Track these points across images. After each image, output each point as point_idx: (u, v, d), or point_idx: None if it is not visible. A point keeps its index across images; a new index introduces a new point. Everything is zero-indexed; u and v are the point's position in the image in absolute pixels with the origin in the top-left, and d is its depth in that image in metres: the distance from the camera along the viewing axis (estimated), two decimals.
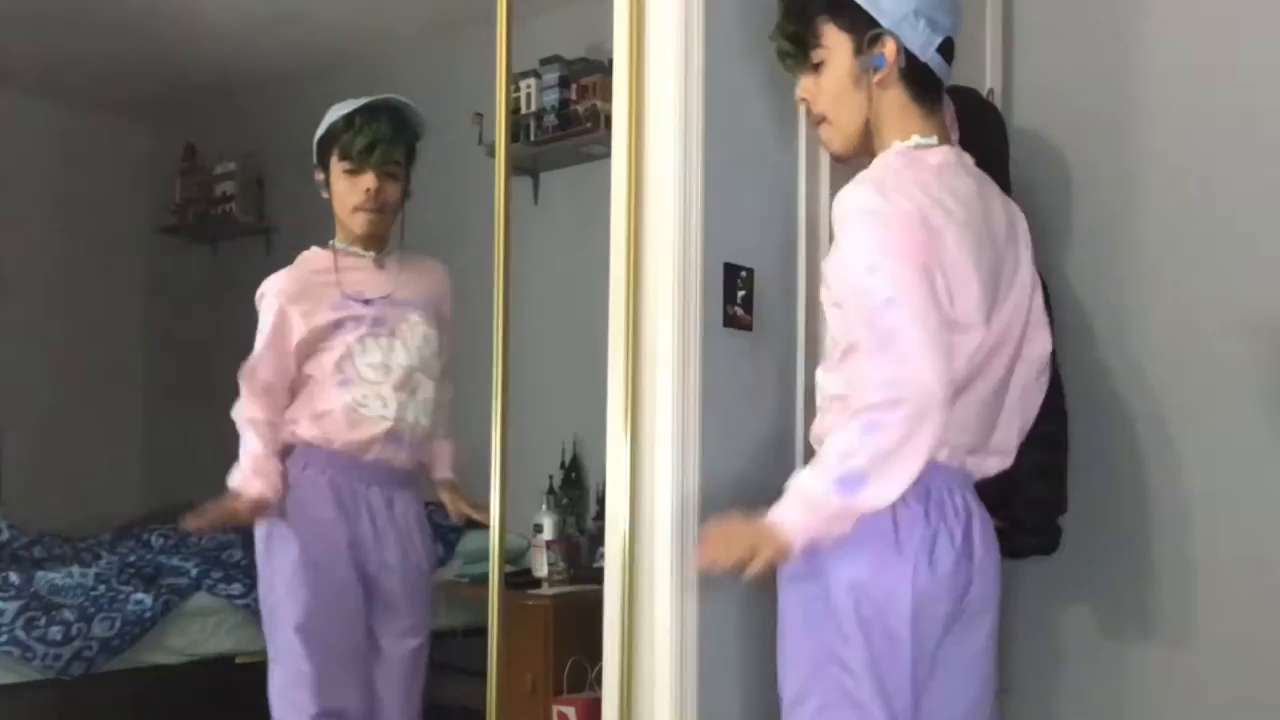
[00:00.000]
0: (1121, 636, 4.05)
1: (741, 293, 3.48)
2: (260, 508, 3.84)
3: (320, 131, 4.07)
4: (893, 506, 2.62)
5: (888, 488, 2.56)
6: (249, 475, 3.85)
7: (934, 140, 2.83)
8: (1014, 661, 4.20)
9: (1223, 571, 3.87)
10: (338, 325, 3.93)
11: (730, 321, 3.45)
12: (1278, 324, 3.80)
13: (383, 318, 3.99)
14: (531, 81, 5.94)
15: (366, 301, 3.97)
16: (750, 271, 3.50)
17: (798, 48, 2.94)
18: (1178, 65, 4.03)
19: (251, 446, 3.90)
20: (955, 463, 2.80)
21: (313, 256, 4.07)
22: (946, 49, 2.87)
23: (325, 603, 3.86)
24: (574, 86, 5.90)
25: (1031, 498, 3.79)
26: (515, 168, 5.64)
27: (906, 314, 2.56)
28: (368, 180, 3.98)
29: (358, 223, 4.00)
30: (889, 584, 2.68)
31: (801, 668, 2.82)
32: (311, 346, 3.93)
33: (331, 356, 3.92)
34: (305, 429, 3.93)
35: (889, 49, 2.79)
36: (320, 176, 4.08)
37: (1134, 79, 4.10)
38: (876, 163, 2.82)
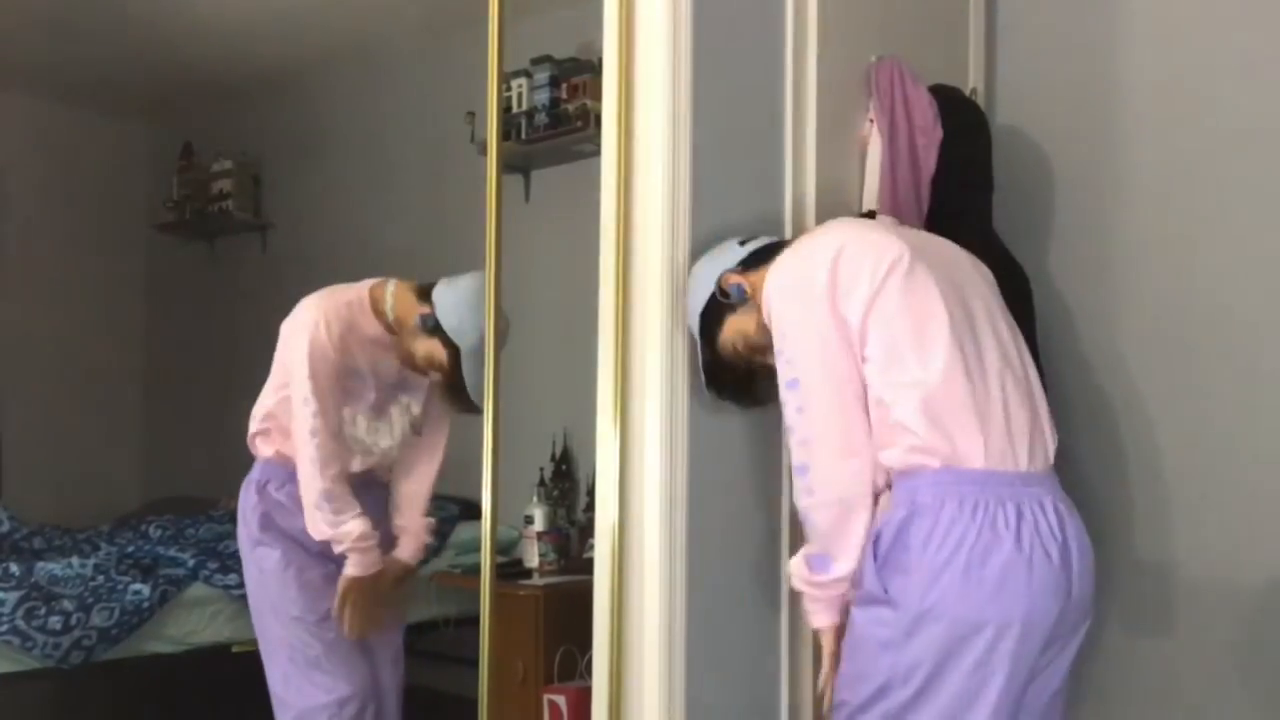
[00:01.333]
0: (1100, 627, 4.05)
1: None
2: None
3: None
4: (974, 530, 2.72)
5: (848, 560, 2.85)
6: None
7: None
8: None
9: (1201, 564, 3.87)
10: (347, 392, 3.98)
11: None
12: (1255, 318, 3.80)
13: (383, 404, 4.11)
14: (523, 81, 5.94)
15: (376, 381, 4.07)
16: None
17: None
18: (1157, 65, 4.03)
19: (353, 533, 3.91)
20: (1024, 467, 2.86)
21: (361, 313, 4.03)
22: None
23: (316, 592, 3.95)
24: (564, 86, 5.90)
25: None
26: (507, 165, 5.63)
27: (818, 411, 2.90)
28: None
29: None
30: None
31: (870, 684, 2.83)
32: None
33: (344, 440, 4.00)
34: (283, 446, 3.96)
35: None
36: None
37: (1114, 78, 4.10)
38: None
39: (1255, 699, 3.76)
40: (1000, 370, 2.82)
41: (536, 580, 5.12)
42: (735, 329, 3.16)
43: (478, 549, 3.81)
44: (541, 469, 5.78)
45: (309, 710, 3.92)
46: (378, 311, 3.98)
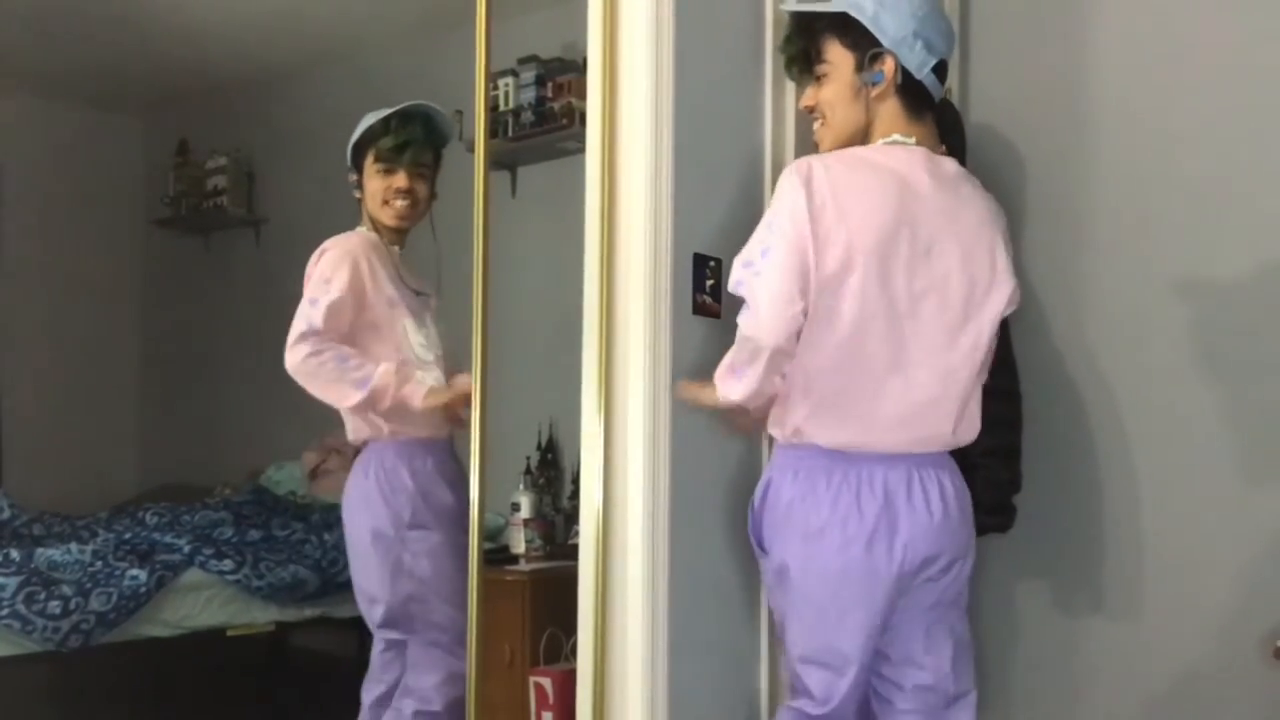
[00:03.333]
0: (1074, 610, 4.06)
1: (710, 282, 3.48)
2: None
3: (356, 135, 4.11)
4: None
5: (742, 390, 2.95)
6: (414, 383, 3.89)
7: (911, 140, 2.91)
8: (972, 634, 4.21)
9: (1170, 547, 3.88)
10: (392, 302, 3.94)
11: (699, 309, 3.45)
12: (1217, 308, 3.81)
13: (417, 306, 4.02)
14: (509, 80, 5.93)
15: (412, 290, 4.02)
16: (718, 261, 3.50)
17: (804, 62, 3.02)
18: (1126, 64, 4.03)
19: (387, 364, 3.86)
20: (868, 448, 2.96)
21: (364, 233, 4.09)
22: (940, 69, 2.95)
23: (463, 573, 3.92)
24: (550, 85, 5.89)
25: (987, 478, 3.79)
26: (494, 162, 5.60)
27: (772, 270, 2.86)
28: (400, 179, 4.04)
29: (388, 215, 4.04)
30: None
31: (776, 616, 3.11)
32: (371, 315, 3.91)
33: (390, 334, 3.92)
34: (379, 423, 3.93)
35: (888, 67, 2.91)
36: (353, 177, 4.11)
37: (1085, 77, 4.10)
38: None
39: (1223, 679, 3.77)
40: (893, 361, 2.88)
41: (523, 566, 5.11)
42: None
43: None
44: (528, 458, 5.78)
45: (450, 677, 4.02)
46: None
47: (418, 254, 4.20)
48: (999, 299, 3.03)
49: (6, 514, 6.06)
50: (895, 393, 2.91)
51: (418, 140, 4.09)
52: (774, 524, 2.99)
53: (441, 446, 4.04)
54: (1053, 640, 4.10)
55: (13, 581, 4.74)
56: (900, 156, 2.91)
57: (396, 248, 4.11)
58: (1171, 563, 3.87)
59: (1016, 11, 4.22)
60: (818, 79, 3.02)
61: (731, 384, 2.95)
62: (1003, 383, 3.86)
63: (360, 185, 4.12)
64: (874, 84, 2.91)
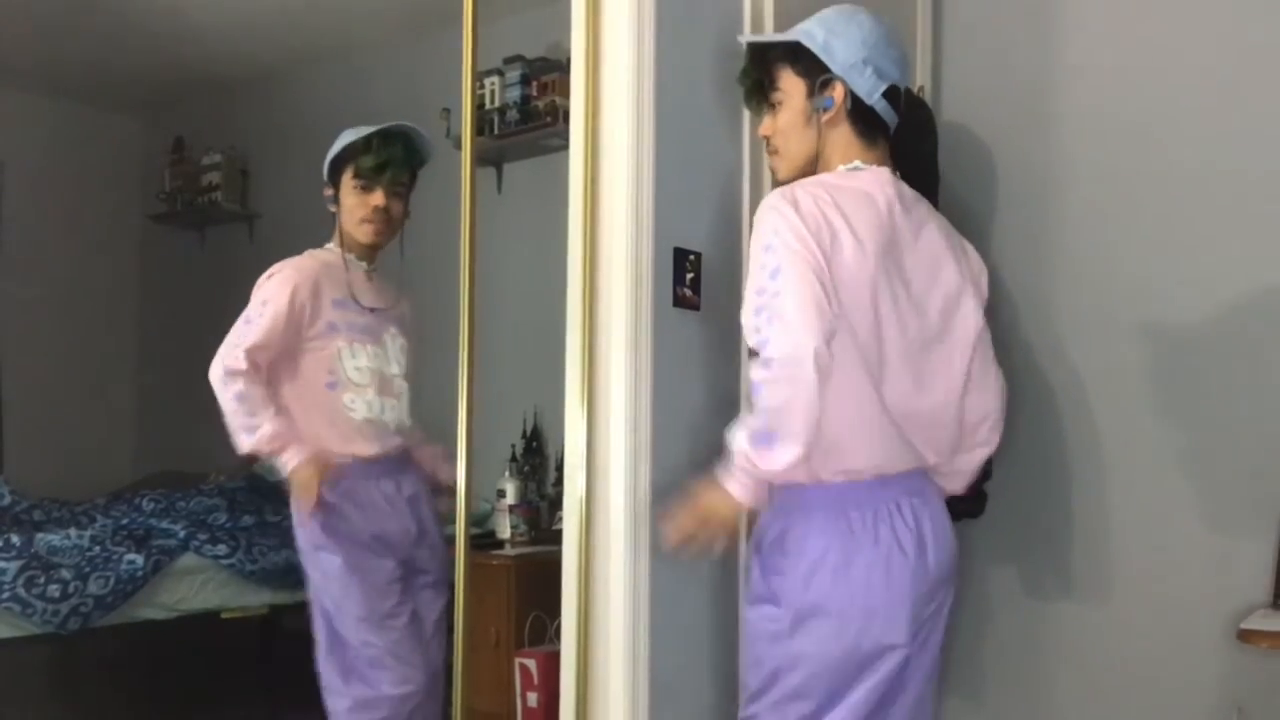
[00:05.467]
0: (1043, 594, 4.07)
1: (690, 275, 3.47)
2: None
3: (335, 151, 4.05)
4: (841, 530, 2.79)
5: (794, 441, 2.64)
6: (296, 450, 3.81)
7: (869, 166, 2.89)
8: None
9: (1137, 533, 3.89)
10: (332, 327, 3.90)
11: (679, 302, 3.44)
12: (1180, 300, 3.82)
13: (371, 326, 3.98)
14: (495, 79, 5.92)
15: (367, 309, 3.97)
16: (698, 255, 3.49)
17: (759, 92, 3.02)
18: (1096, 65, 4.04)
19: (273, 427, 3.80)
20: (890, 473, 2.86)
21: (322, 254, 4.06)
22: (893, 97, 2.91)
23: (379, 593, 3.87)
24: (535, 84, 5.88)
25: None
26: (480, 160, 5.60)
27: (790, 282, 2.65)
28: (377, 198, 4.00)
29: (363, 233, 4.01)
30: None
31: (763, 670, 2.90)
32: (304, 341, 3.88)
33: (322, 356, 3.89)
34: (329, 444, 3.90)
35: (838, 93, 2.89)
36: (329, 192, 4.07)
37: (1055, 78, 4.11)
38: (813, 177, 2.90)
39: (1189, 661, 3.78)
40: (879, 391, 2.82)
41: (509, 551, 5.11)
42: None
43: (453, 521, 3.80)
44: (513, 445, 5.77)
45: (368, 701, 3.85)
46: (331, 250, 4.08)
47: (389, 267, 4.20)
48: (969, 309, 2.99)
49: (7, 500, 6.04)
50: (901, 412, 2.87)
51: (397, 161, 4.04)
52: (795, 569, 2.83)
53: (366, 468, 3.96)
54: (1023, 623, 4.11)
55: (13, 566, 4.74)
56: (866, 179, 2.88)
57: (364, 264, 4.08)
58: (1138, 548, 3.88)
59: (988, 12, 4.22)
60: (772, 108, 3.01)
61: (774, 452, 2.66)
62: None
63: (336, 199, 4.08)
64: (824, 109, 2.89)
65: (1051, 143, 4.09)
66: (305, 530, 3.89)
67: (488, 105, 5.90)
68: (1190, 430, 3.81)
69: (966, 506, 3.83)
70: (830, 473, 2.80)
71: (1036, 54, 4.15)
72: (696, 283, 3.49)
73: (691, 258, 3.48)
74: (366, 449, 3.93)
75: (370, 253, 4.09)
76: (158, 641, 5.32)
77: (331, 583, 3.86)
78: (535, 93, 5.88)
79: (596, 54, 3.40)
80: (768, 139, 3.06)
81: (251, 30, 6.83)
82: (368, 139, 4.02)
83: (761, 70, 3.03)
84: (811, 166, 2.97)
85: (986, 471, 3.81)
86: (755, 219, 2.79)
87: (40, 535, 5.11)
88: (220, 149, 7.75)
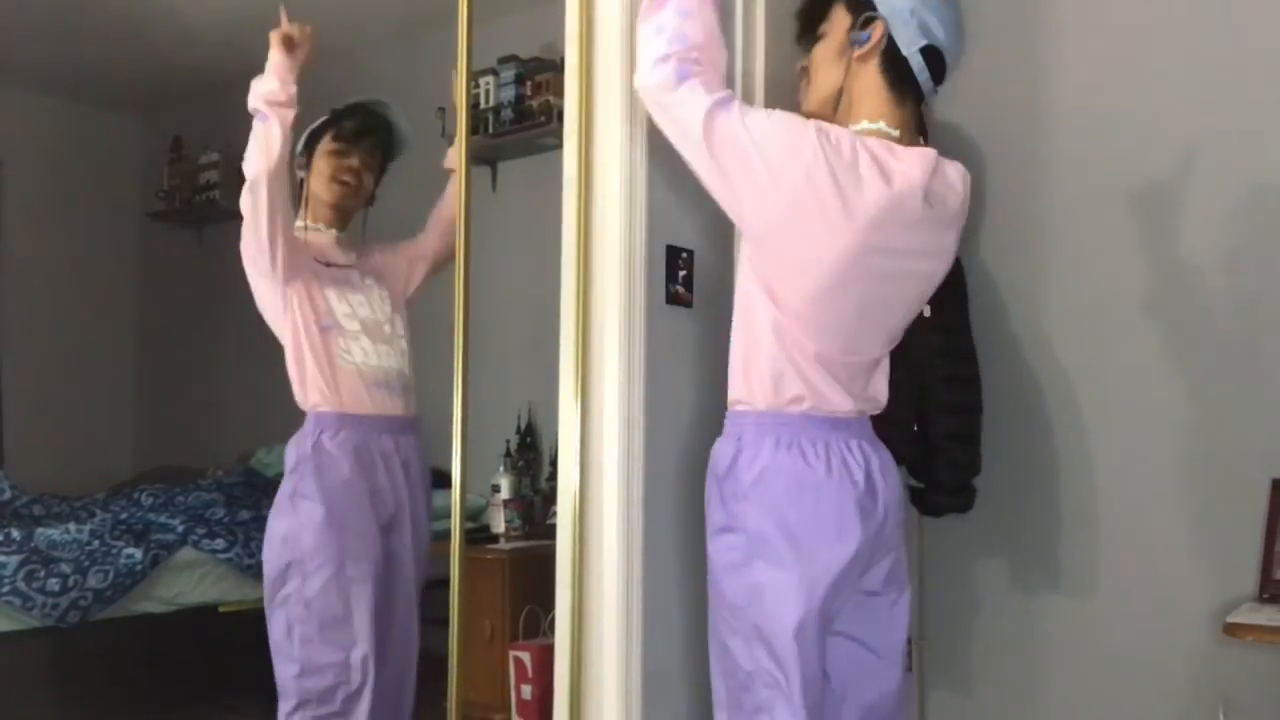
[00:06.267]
0: (1030, 588, 4.07)
1: (682, 273, 3.47)
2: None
3: (318, 122, 4.04)
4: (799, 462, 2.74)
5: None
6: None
7: (895, 133, 2.83)
8: (931, 611, 4.21)
9: (1124, 527, 3.89)
10: (316, 274, 3.87)
11: (672, 299, 3.44)
12: (1176, 300, 3.82)
13: (346, 278, 3.96)
14: (490, 79, 5.92)
15: (328, 264, 3.93)
16: (691, 253, 3.49)
17: (810, 24, 2.98)
18: (1082, 62, 4.04)
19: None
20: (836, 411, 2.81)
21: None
22: (937, 62, 2.87)
23: (353, 550, 3.78)
24: (529, 83, 5.88)
25: (948, 460, 3.80)
26: (475, 158, 5.61)
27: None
28: (352, 160, 4.01)
29: (331, 191, 3.99)
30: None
31: (723, 602, 2.82)
32: (297, 274, 3.84)
33: (315, 298, 3.85)
34: (312, 396, 3.87)
35: (876, 30, 2.81)
36: (301, 159, 4.05)
37: (1043, 75, 4.11)
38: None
39: (1175, 654, 3.78)
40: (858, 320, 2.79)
41: (503, 545, 5.10)
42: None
43: (448, 516, 3.79)
44: (508, 441, 5.77)
45: (318, 667, 3.75)
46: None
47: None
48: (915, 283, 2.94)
49: (7, 495, 6.04)
50: (862, 351, 2.84)
51: (378, 132, 4.08)
52: (746, 493, 2.77)
53: (368, 421, 3.94)
54: (1011, 616, 4.11)
55: (13, 560, 4.73)
56: (912, 160, 2.82)
57: (334, 231, 4.05)
58: (1125, 542, 3.89)
59: (979, 13, 4.22)
60: (817, 40, 2.99)
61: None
62: (963, 370, 3.87)
63: (307, 165, 4.06)
64: (859, 44, 2.86)
65: (1041, 141, 4.10)
66: (292, 475, 3.84)
67: (482, 104, 5.90)
68: (1177, 425, 3.82)
69: (955, 501, 3.84)
70: (782, 402, 2.77)
71: (1024, 52, 4.15)
72: (689, 280, 3.49)
73: (684, 255, 3.47)
74: (368, 402, 3.90)
75: (335, 218, 4.05)
76: (156, 635, 5.31)
77: (305, 533, 3.77)
78: (529, 92, 5.87)
79: (590, 54, 3.40)
80: (804, 69, 3.03)
81: (249, 30, 6.80)
82: (353, 105, 4.08)
83: (817, 4, 3.00)
84: (835, 102, 2.93)
85: (975, 466, 3.82)
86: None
87: (40, 530, 5.11)
88: (218, 148, 7.74)
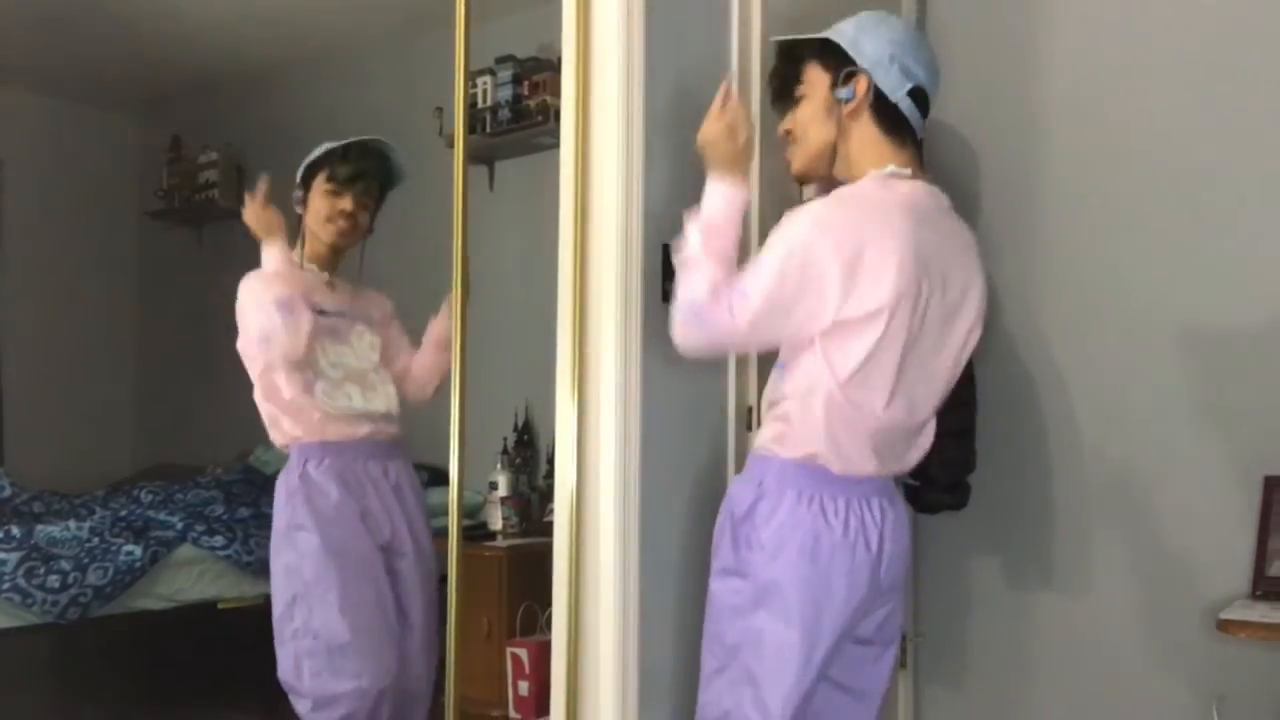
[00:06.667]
0: (1024, 584, 4.06)
1: None
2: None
3: (312, 156, 4.04)
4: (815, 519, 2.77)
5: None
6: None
7: (907, 172, 2.84)
8: (926, 609, 4.21)
9: (1116, 525, 3.89)
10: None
11: (669, 298, 3.42)
12: (1169, 298, 3.81)
13: (337, 328, 3.96)
14: (487, 78, 5.92)
15: (321, 312, 3.93)
16: None
17: (786, 89, 2.98)
18: (1078, 63, 4.03)
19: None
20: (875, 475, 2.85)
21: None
22: (920, 100, 2.88)
23: (354, 575, 3.81)
24: (526, 83, 5.88)
25: (943, 458, 3.78)
26: (472, 157, 5.62)
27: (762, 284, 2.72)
28: (346, 203, 4.01)
29: (327, 232, 4.01)
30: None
31: (723, 645, 2.86)
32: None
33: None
34: (294, 427, 3.88)
35: (860, 84, 2.83)
36: (299, 194, 4.05)
37: (1038, 78, 4.10)
38: (852, 185, 2.83)
39: (1168, 651, 3.78)
40: (893, 394, 2.79)
41: (500, 542, 5.11)
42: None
43: (446, 513, 3.78)
44: (505, 438, 5.77)
45: (330, 698, 3.76)
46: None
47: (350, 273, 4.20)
48: (974, 332, 2.96)
49: (8, 492, 6.05)
50: (894, 426, 2.85)
51: (370, 173, 4.07)
52: (761, 544, 2.80)
53: (354, 446, 3.96)
54: (1004, 614, 4.10)
55: (13, 557, 4.74)
56: (905, 191, 2.83)
57: (325, 274, 4.07)
58: (1119, 539, 3.88)
59: (971, 14, 4.22)
60: (796, 103, 2.99)
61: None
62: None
63: (304, 201, 4.07)
64: (846, 101, 2.86)
65: (1034, 141, 4.09)
66: (284, 510, 3.85)
67: (480, 104, 5.89)
68: (1170, 422, 3.81)
69: (950, 498, 3.82)
70: (811, 457, 2.78)
71: (1019, 52, 4.14)
72: None
73: None
74: (355, 430, 3.91)
75: (330, 258, 4.07)
76: (156, 631, 5.31)
77: (306, 563, 3.80)
78: (526, 92, 5.88)
79: (587, 54, 3.39)
80: (789, 132, 3.04)
81: (247, 30, 6.83)
82: (346, 146, 4.05)
83: (789, 66, 3.00)
84: (828, 159, 2.93)
85: (969, 463, 3.81)
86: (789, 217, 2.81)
87: (40, 527, 5.12)
88: (217, 147, 7.75)
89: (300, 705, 3.81)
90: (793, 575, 2.73)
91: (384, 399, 4.01)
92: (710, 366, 3.56)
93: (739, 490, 2.89)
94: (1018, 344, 4.06)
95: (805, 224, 2.71)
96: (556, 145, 3.48)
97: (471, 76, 5.43)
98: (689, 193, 3.08)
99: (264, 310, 3.78)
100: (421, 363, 4.21)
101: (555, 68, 5.05)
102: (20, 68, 7.50)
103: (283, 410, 3.88)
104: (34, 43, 7.03)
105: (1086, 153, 3.99)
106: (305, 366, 3.86)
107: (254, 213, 3.95)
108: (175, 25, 6.76)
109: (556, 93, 4.39)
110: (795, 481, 2.79)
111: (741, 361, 3.60)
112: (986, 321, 3.04)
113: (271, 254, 3.92)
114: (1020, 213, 4.09)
